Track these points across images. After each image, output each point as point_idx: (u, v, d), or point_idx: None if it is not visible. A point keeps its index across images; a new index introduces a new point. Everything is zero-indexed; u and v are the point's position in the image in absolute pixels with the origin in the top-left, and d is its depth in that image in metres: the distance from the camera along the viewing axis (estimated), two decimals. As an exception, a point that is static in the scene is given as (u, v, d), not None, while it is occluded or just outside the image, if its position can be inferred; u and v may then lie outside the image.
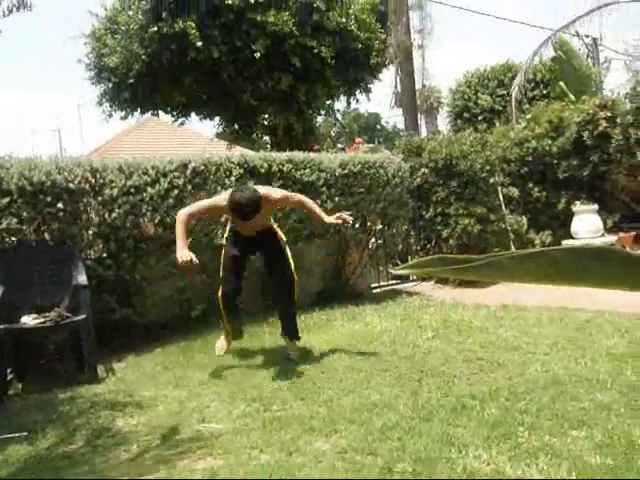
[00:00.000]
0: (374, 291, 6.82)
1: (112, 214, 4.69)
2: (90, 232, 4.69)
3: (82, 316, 3.96)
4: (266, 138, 12.25)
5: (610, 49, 16.79)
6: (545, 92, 13.76)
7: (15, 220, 4.29)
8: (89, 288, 4.15)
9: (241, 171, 5.40)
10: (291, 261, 4.15)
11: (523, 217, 7.83)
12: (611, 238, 7.43)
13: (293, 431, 2.80)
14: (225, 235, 4.27)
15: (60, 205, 4.47)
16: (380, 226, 6.62)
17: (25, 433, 3.01)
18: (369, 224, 6.44)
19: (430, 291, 6.65)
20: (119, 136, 17.16)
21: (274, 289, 4.39)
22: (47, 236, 4.51)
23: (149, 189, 4.88)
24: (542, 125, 8.25)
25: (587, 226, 7.50)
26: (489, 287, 6.30)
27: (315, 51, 9.39)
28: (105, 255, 4.71)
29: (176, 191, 5.00)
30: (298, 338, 4.26)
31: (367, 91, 11.66)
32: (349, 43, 10.03)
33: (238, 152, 6.86)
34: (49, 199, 4.44)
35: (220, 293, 4.08)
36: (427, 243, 7.33)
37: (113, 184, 4.75)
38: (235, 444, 2.71)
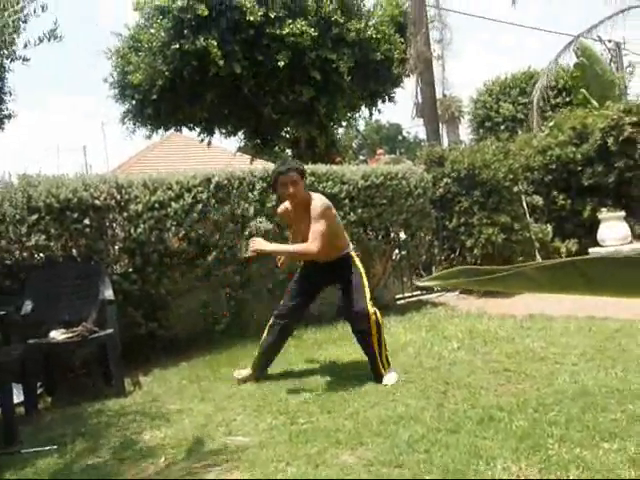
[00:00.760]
0: (398, 302, 6.79)
1: (137, 229, 4.75)
2: (116, 247, 4.76)
3: (109, 330, 4.01)
4: (288, 151, 12.29)
5: (634, 53, 16.60)
6: (568, 99, 13.68)
7: (43, 237, 4.37)
8: (115, 303, 4.21)
9: (264, 185, 5.43)
10: (367, 294, 3.80)
11: (548, 225, 7.74)
12: None
13: (319, 444, 2.79)
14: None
15: (87, 221, 4.54)
16: (403, 237, 6.60)
17: (55, 446, 3.05)
18: (392, 235, 6.42)
19: (455, 301, 6.60)
20: (143, 152, 17.42)
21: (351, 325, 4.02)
22: (74, 252, 4.59)
23: (173, 204, 4.93)
24: (565, 132, 8.18)
25: (614, 233, 7.40)
26: (514, 297, 6.22)
27: (334, 65, 9.47)
28: (131, 270, 4.78)
29: (200, 205, 5.05)
30: (382, 375, 3.78)
31: (391, 100, 11.67)
32: (369, 54, 10.07)
33: (260, 166, 6.90)
34: (76, 215, 4.51)
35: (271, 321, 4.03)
36: (451, 253, 7.28)
37: (138, 200, 4.82)
38: (261, 457, 2.71)
